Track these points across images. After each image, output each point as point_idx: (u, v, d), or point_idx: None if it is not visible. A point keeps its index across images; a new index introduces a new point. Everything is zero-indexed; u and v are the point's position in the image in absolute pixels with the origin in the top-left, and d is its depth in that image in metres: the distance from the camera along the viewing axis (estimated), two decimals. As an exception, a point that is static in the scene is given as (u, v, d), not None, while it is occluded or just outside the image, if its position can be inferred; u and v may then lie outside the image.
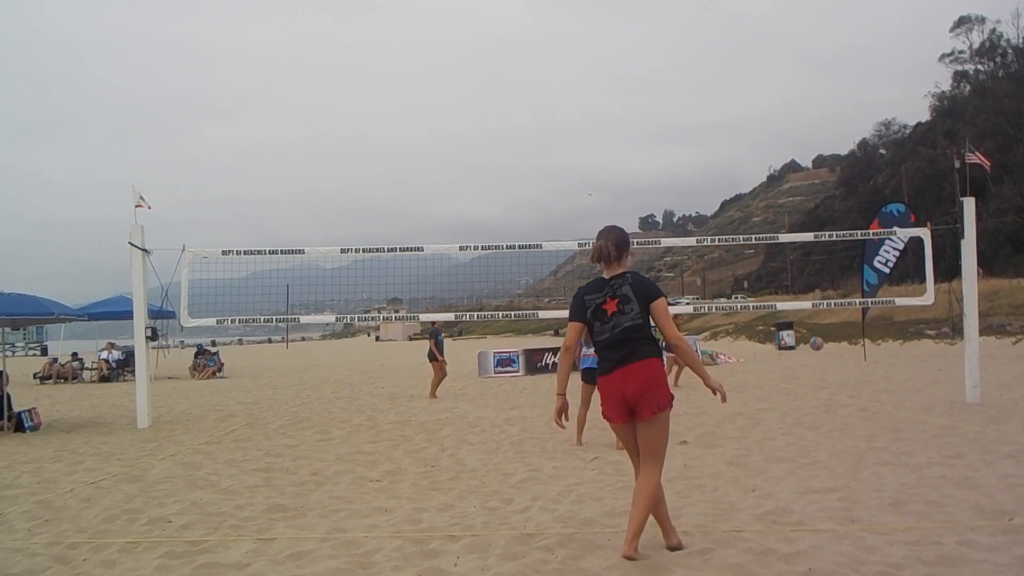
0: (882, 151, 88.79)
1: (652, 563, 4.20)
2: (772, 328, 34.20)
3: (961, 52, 75.59)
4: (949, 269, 15.42)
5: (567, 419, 4.62)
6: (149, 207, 11.55)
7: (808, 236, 17.54)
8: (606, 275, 4.40)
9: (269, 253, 11.57)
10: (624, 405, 4.25)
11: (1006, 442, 7.57)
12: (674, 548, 4.39)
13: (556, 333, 64.33)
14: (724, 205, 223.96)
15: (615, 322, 4.27)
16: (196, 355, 25.28)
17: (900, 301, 13.42)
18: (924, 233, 11.58)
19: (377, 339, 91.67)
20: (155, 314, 12.39)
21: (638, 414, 4.22)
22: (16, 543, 5.01)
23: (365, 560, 4.44)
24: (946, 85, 77.64)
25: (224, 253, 11.51)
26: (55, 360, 24.45)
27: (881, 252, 17.03)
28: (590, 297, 4.38)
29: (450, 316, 19.87)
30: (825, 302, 22.60)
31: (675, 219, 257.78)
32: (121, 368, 23.29)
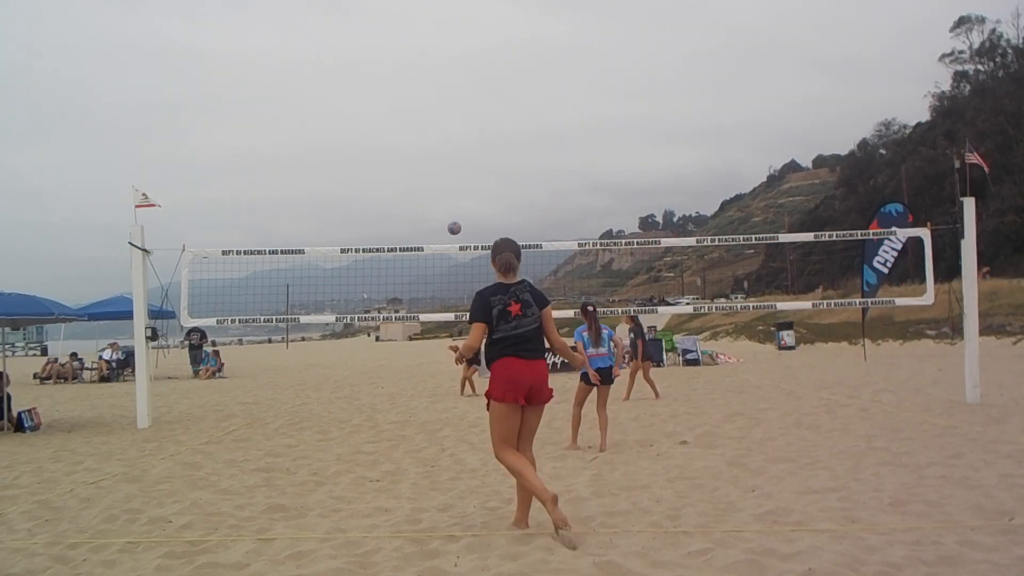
0: (882, 151, 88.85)
1: (652, 562, 4.20)
2: (772, 328, 34.21)
3: (961, 52, 75.78)
4: (949, 269, 15.42)
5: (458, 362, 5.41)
6: (158, 205, 11.56)
7: (808, 236, 17.54)
8: (504, 281, 4.89)
9: (269, 253, 11.58)
10: (528, 391, 4.79)
11: (1006, 442, 7.58)
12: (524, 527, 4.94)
13: (556, 333, 64.10)
14: (724, 205, 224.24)
15: (517, 323, 4.80)
16: (189, 333, 23.17)
17: (900, 301, 13.42)
18: (924, 233, 11.58)
19: (377, 339, 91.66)
20: (155, 314, 12.39)
21: (535, 400, 4.86)
22: (16, 543, 5.01)
23: (365, 560, 4.44)
24: (946, 85, 77.83)
25: (224, 253, 11.51)
26: (55, 360, 24.44)
27: (880, 252, 17.07)
28: (494, 299, 4.82)
29: (450, 316, 19.85)
30: (825, 302, 22.61)
31: (675, 219, 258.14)
32: (121, 368, 23.29)
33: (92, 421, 12.19)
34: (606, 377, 8.16)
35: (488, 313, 4.79)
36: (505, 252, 4.94)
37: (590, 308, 8.39)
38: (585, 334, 8.14)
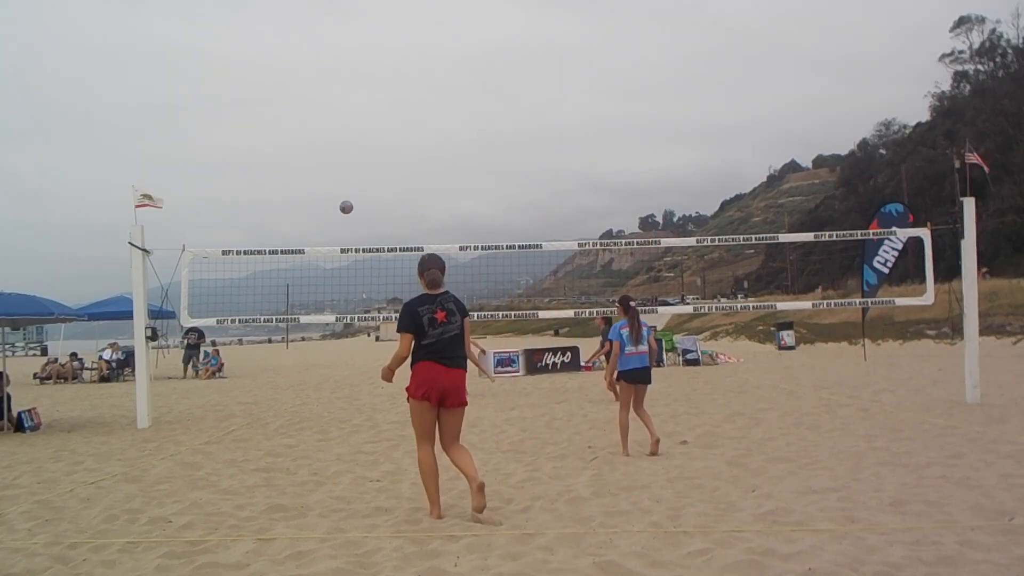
0: (882, 151, 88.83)
1: (652, 562, 4.20)
2: (772, 328, 34.21)
3: (961, 52, 75.74)
4: (949, 269, 15.42)
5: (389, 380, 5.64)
6: (160, 206, 11.53)
7: (808, 236, 17.54)
8: (430, 292, 5.36)
9: (269, 253, 11.58)
10: (440, 394, 5.25)
11: (1006, 442, 7.58)
12: (480, 510, 5.19)
13: (556, 333, 64.16)
14: (724, 205, 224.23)
15: (443, 329, 5.26)
16: (187, 332, 22.76)
17: (900, 301, 13.42)
18: (924, 233, 11.58)
19: (377, 339, 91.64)
20: (155, 314, 12.38)
21: (447, 403, 5.30)
22: (16, 543, 5.01)
23: (365, 560, 4.44)
24: (946, 85, 77.80)
25: (224, 253, 11.51)
26: (55, 360, 24.40)
27: (880, 252, 17.04)
28: (421, 309, 5.27)
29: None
30: (825, 302, 22.61)
31: (675, 219, 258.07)
32: (121, 368, 23.28)
33: (92, 421, 12.19)
34: (646, 377, 7.70)
35: (416, 323, 5.23)
36: (432, 269, 5.40)
37: (632, 303, 7.90)
38: (624, 331, 7.63)
